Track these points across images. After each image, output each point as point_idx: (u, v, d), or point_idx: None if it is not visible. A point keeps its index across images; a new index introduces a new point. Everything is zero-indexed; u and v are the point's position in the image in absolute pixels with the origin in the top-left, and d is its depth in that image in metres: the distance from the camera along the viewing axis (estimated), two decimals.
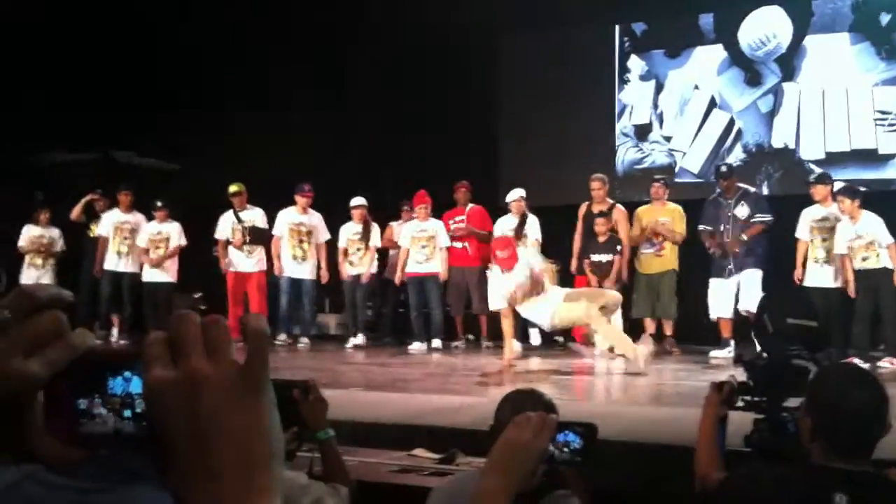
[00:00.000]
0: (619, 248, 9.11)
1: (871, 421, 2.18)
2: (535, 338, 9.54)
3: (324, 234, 9.94)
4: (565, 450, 1.65)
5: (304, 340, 9.76)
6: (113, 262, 10.13)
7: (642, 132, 11.33)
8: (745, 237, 8.55)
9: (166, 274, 10.11)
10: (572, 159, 10.83)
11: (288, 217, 9.90)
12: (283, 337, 9.75)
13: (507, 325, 7.84)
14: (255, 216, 10.01)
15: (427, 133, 10.95)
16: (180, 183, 11.06)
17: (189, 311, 0.70)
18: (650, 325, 9.24)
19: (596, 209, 9.36)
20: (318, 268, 9.89)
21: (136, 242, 10.15)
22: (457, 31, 10.33)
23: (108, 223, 10.21)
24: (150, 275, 10.09)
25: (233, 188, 9.98)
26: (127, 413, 0.72)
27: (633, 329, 9.17)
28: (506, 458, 1.47)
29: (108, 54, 10.47)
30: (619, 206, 9.46)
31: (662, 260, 9.17)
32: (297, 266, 9.83)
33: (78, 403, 0.72)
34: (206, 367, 0.68)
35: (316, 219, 9.92)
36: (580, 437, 1.67)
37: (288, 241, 9.83)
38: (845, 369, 2.57)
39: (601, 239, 9.13)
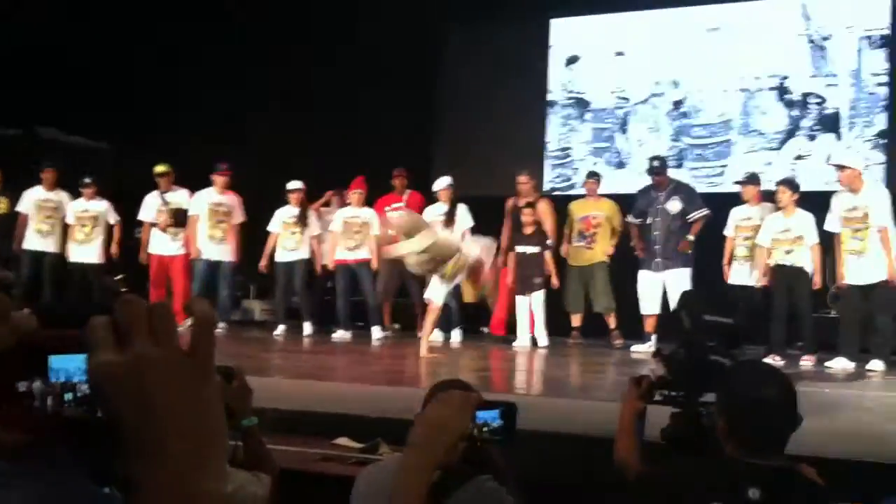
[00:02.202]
0: (547, 241, 9.13)
1: (780, 416, 2.25)
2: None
3: (240, 216, 9.72)
4: (486, 429, 1.67)
5: (221, 325, 9.35)
6: (32, 241, 9.77)
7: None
8: (691, 237, 8.60)
9: (94, 255, 9.83)
10: (507, 149, 10.85)
11: (207, 197, 9.69)
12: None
13: (432, 319, 7.86)
14: (181, 198, 9.80)
15: (361, 121, 10.89)
16: (106, 162, 10.81)
17: (134, 295, 0.71)
18: (575, 320, 9.36)
19: (522, 203, 9.45)
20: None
21: (66, 219, 9.84)
22: (394, 19, 10.31)
23: (29, 201, 9.85)
24: (78, 255, 9.80)
25: (159, 168, 9.79)
26: (68, 396, 0.72)
27: (565, 321, 9.34)
28: (427, 435, 1.48)
29: (37, 28, 10.14)
30: (544, 199, 9.54)
31: (592, 252, 9.27)
32: (215, 247, 9.59)
33: (18, 386, 0.72)
34: (152, 350, 0.68)
35: (234, 199, 9.72)
36: (500, 417, 1.70)
37: (206, 222, 9.60)
38: (754, 367, 2.65)
39: (527, 230, 9.12)
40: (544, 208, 9.34)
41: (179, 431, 0.68)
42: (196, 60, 10.55)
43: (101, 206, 9.89)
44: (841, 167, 7.83)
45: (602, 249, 9.28)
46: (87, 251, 9.82)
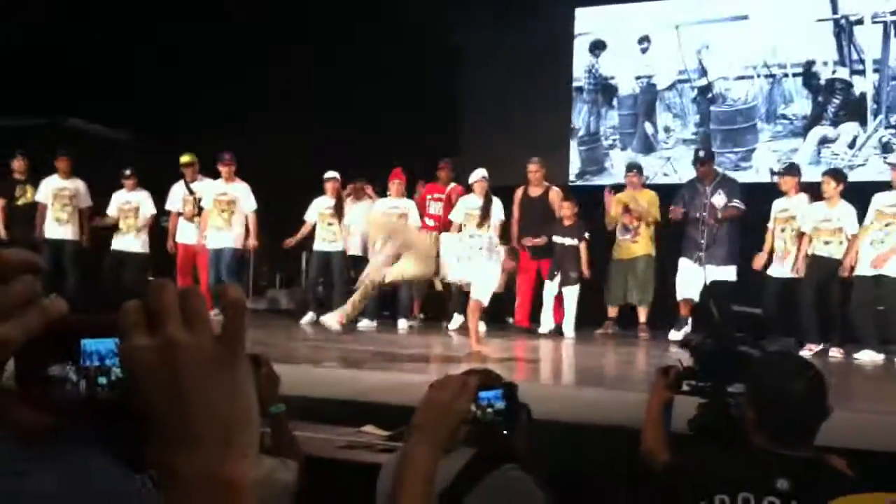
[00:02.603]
0: (585, 234, 9.03)
1: (809, 407, 2.23)
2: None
3: (248, 204, 9.64)
4: (489, 410, 1.67)
5: (215, 312, 9.40)
6: (52, 229, 9.86)
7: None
8: (718, 222, 8.55)
9: (137, 244, 9.95)
10: (533, 137, 10.83)
11: (213, 187, 9.72)
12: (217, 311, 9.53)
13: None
14: (207, 187, 9.82)
15: (387, 114, 10.90)
16: (129, 152, 10.88)
17: (166, 280, 0.71)
18: (612, 311, 9.29)
19: (533, 192, 9.36)
20: (247, 237, 9.65)
21: (108, 212, 9.96)
22: (418, 11, 10.32)
23: (47, 189, 9.92)
24: (120, 244, 9.93)
25: (184, 158, 9.85)
26: (102, 380, 0.73)
27: (600, 313, 9.30)
28: (428, 419, 1.49)
29: (60, 21, 10.20)
30: (554, 187, 9.46)
31: (637, 246, 9.17)
32: (218, 235, 9.58)
33: (50, 370, 0.72)
34: (183, 335, 0.69)
35: (240, 188, 9.65)
36: (503, 398, 1.69)
37: (213, 212, 9.63)
38: (784, 358, 2.63)
39: (567, 223, 9.03)
40: (555, 197, 9.29)
41: (210, 417, 0.68)
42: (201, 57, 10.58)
43: (143, 197, 9.99)
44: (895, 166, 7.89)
45: (647, 241, 9.19)
46: (128, 241, 9.93)
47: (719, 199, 8.62)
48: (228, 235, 9.59)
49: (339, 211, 9.63)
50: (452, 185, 9.86)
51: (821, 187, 8.04)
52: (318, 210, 9.71)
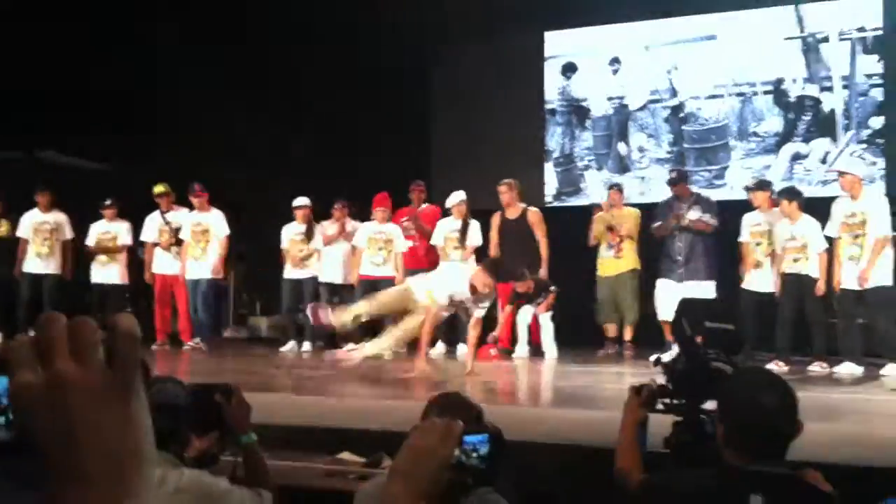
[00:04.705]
0: (551, 288, 8.87)
1: (780, 423, 2.23)
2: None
3: (221, 229, 9.64)
4: (474, 454, 1.65)
5: (196, 340, 9.48)
6: (33, 264, 9.81)
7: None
8: (689, 223, 8.58)
9: (117, 276, 9.91)
10: (507, 160, 10.87)
11: (188, 218, 9.74)
12: (196, 341, 9.51)
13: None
14: (182, 217, 9.81)
15: (358, 137, 10.92)
16: (108, 183, 10.82)
17: (55, 313, 0.69)
18: (611, 330, 9.31)
19: (510, 215, 9.32)
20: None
21: (86, 242, 9.90)
22: (388, 35, 10.36)
23: (27, 224, 9.88)
24: (100, 276, 9.89)
25: (158, 188, 9.83)
26: (1, 420, 0.71)
27: (596, 334, 9.33)
28: (409, 464, 1.47)
29: (38, 52, 10.17)
30: (531, 208, 9.41)
31: (621, 261, 9.23)
32: (196, 265, 9.59)
33: None
34: (71, 369, 0.67)
35: (213, 217, 9.66)
36: (487, 442, 1.67)
37: (190, 242, 9.65)
38: (754, 373, 2.63)
39: (521, 289, 8.65)
40: (534, 218, 9.25)
41: (102, 451, 0.67)
42: (195, 80, 10.57)
43: (122, 227, 9.96)
44: (841, 173, 7.90)
45: (631, 256, 9.24)
46: (109, 273, 9.88)
47: (693, 215, 8.67)
48: (204, 265, 9.58)
49: (309, 237, 9.63)
50: (425, 205, 9.88)
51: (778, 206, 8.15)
52: (289, 237, 9.72)
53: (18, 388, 0.67)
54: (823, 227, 7.94)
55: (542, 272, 8.99)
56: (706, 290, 8.50)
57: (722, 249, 8.74)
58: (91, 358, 0.68)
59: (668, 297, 8.54)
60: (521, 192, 9.40)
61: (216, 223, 9.65)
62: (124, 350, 0.69)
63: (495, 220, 9.42)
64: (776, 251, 8.19)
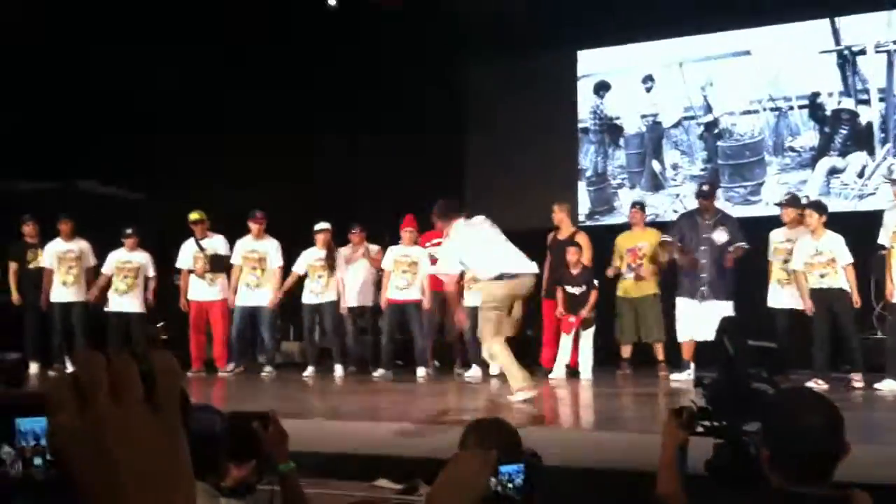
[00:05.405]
0: (594, 280, 9.02)
1: (827, 443, 2.17)
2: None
3: (276, 261, 9.70)
4: (510, 485, 1.62)
5: (268, 369, 9.54)
6: (60, 293, 9.85)
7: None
8: (729, 264, 8.34)
9: (135, 305, 9.83)
10: (541, 179, 10.86)
11: (242, 245, 9.77)
12: (231, 367, 9.57)
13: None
14: (216, 244, 9.86)
15: (395, 159, 10.96)
16: (145, 212, 10.93)
17: (94, 353, 0.68)
18: (626, 351, 9.30)
19: (561, 236, 9.35)
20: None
21: (103, 270, 9.88)
22: (419, 56, 10.41)
23: (51, 254, 9.93)
24: (118, 305, 9.79)
25: (193, 216, 9.86)
26: (37, 460, 0.70)
27: (614, 353, 9.28)
28: (446, 495, 1.45)
29: (74, 82, 10.32)
30: (581, 232, 9.47)
31: (643, 284, 9.19)
32: (251, 293, 9.65)
33: None
34: (111, 409, 0.66)
35: (268, 245, 9.73)
36: (524, 472, 1.64)
37: (243, 269, 9.70)
38: (797, 394, 2.57)
39: (573, 270, 9.01)
40: (582, 241, 9.24)
41: (143, 490, 0.66)
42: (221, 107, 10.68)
43: (143, 258, 9.95)
44: (894, 181, 7.88)
45: (652, 280, 9.19)
46: (127, 301, 9.83)
47: (720, 236, 8.43)
48: (258, 293, 9.64)
49: (330, 262, 9.62)
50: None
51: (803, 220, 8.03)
52: (308, 262, 9.70)
53: (56, 430, 0.67)
54: (854, 241, 7.85)
55: (591, 297, 9.01)
56: (725, 310, 8.34)
57: (752, 269, 8.60)
58: (131, 396, 0.67)
59: (688, 317, 8.47)
60: (569, 214, 9.58)
61: (272, 253, 9.71)
62: (165, 389, 0.68)
63: (549, 240, 9.46)
64: (795, 268, 8.02)
